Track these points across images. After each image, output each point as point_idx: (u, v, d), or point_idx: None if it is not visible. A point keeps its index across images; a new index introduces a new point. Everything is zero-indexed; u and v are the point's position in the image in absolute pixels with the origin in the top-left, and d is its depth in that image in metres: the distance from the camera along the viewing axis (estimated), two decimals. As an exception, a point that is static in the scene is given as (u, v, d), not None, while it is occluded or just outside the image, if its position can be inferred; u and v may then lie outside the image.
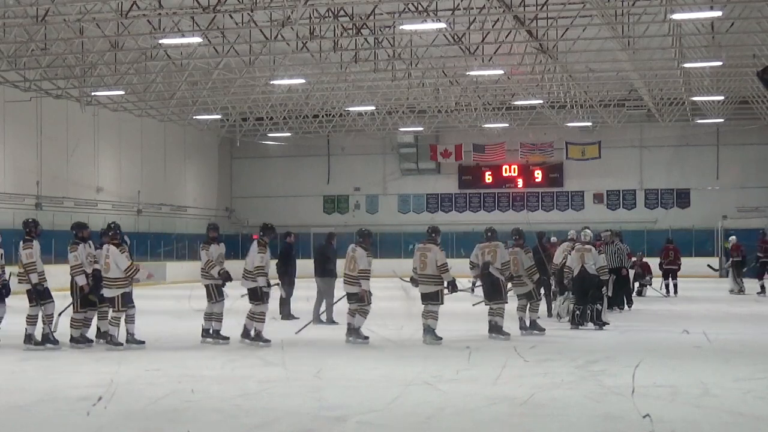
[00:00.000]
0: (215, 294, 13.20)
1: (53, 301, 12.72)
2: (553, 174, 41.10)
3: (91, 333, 12.90)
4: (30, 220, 13.30)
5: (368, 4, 22.31)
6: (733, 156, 39.36)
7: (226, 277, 13.20)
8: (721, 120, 37.64)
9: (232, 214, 43.77)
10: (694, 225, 37.84)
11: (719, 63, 27.60)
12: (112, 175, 35.63)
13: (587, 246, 15.37)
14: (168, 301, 21.72)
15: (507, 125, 38.09)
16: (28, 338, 12.67)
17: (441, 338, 13.08)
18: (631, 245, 24.84)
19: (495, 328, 13.71)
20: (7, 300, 13.06)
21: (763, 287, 24.82)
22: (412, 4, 22.60)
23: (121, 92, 31.20)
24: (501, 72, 28.96)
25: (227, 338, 13.03)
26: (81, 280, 12.59)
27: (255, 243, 13.09)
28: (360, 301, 13.10)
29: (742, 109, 36.67)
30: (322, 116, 38.04)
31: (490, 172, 41.61)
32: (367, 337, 13.14)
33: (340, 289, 14.42)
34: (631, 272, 22.50)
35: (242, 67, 28.47)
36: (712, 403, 8.38)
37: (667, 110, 36.72)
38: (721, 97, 34.01)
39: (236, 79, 29.86)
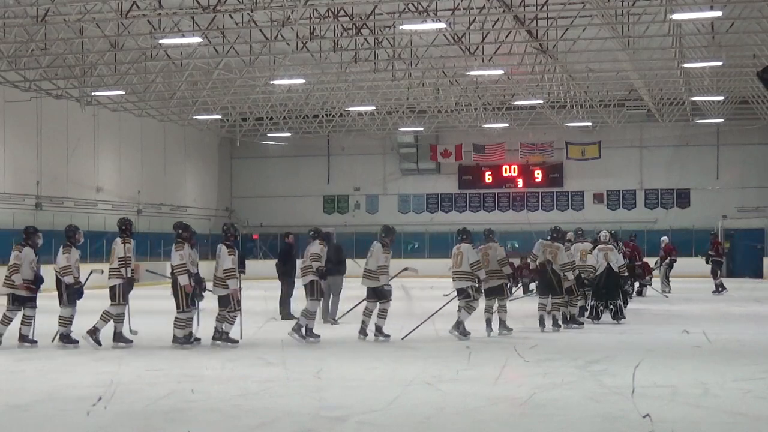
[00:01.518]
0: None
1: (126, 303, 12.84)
2: (553, 174, 41.10)
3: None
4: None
5: (368, 4, 22.31)
6: (733, 156, 39.35)
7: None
8: (721, 120, 37.64)
9: (232, 214, 43.75)
10: (694, 225, 37.83)
11: (719, 63, 27.61)
12: (112, 175, 35.62)
13: (609, 245, 16.29)
14: (168, 300, 21.67)
15: (507, 125, 38.09)
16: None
17: (511, 329, 14.01)
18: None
19: (555, 322, 14.71)
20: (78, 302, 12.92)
21: (718, 286, 24.94)
22: (412, 4, 22.60)
23: (121, 92, 31.20)
24: (501, 72, 28.97)
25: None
26: (183, 280, 12.60)
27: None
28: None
29: (742, 109, 36.68)
30: (322, 116, 38.04)
31: (490, 172, 41.60)
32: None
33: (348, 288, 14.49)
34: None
35: (242, 67, 28.47)
36: (712, 403, 8.38)
37: (667, 110, 36.72)
38: (721, 97, 34.01)
39: (236, 79, 29.85)
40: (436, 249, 36.55)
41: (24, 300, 12.74)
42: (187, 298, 12.62)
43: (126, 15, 22.07)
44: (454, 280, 13.78)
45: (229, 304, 12.78)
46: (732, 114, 37.14)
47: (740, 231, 37.16)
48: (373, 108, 35.49)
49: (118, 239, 12.89)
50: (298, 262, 17.29)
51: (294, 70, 29.11)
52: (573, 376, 9.91)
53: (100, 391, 8.65)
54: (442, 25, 22.89)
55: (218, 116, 36.94)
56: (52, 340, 12.88)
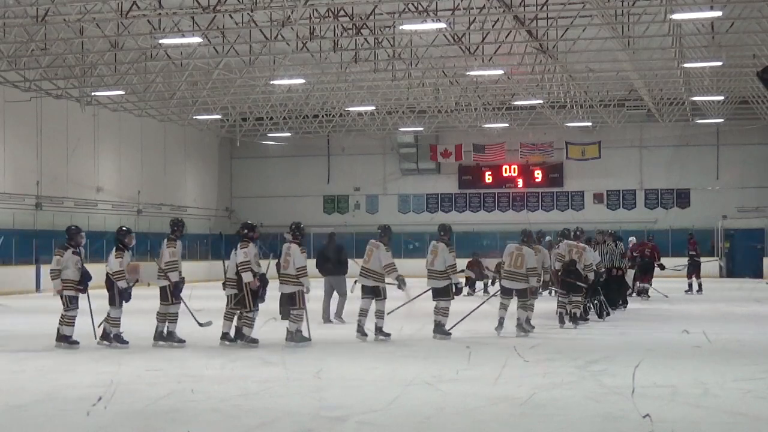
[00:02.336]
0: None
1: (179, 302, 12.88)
2: (553, 174, 41.12)
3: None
4: (178, 220, 13.38)
5: (368, 4, 22.32)
6: (733, 156, 39.36)
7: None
8: (721, 120, 37.65)
9: (232, 214, 43.77)
10: (694, 225, 37.82)
11: (719, 63, 27.62)
12: (112, 175, 35.64)
13: (582, 244, 16.07)
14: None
15: (507, 125, 38.11)
16: (169, 335, 12.79)
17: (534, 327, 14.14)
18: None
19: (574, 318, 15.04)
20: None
21: (691, 286, 24.91)
22: (412, 4, 22.61)
23: (121, 92, 31.22)
24: (501, 72, 28.98)
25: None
26: (248, 277, 12.57)
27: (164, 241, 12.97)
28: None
29: (742, 109, 36.69)
30: (322, 116, 38.05)
31: (490, 172, 41.62)
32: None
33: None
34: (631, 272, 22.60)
35: (242, 67, 28.48)
36: (712, 403, 8.38)
37: (667, 110, 36.74)
38: (721, 97, 34.03)
39: (236, 79, 29.87)
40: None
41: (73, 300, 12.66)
42: (254, 296, 12.60)
43: (126, 15, 22.08)
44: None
45: (295, 303, 12.85)
46: (732, 114, 37.15)
47: (740, 231, 37.17)
48: (373, 108, 35.51)
49: (165, 241, 12.92)
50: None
51: (294, 70, 29.12)
52: (573, 376, 9.91)
53: (100, 391, 8.65)
54: (442, 25, 22.90)
55: (218, 116, 36.96)
56: (99, 341, 12.72)
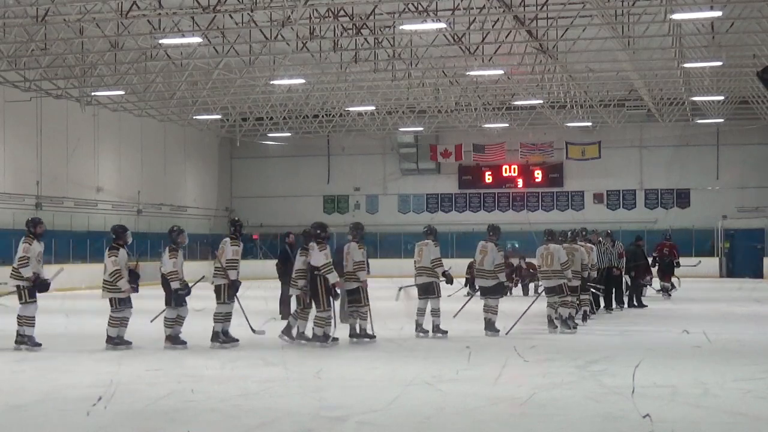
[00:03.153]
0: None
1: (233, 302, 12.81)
2: (553, 174, 41.11)
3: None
4: (236, 220, 13.37)
5: (368, 4, 22.32)
6: (733, 156, 39.36)
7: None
8: (721, 120, 37.65)
9: (232, 214, 43.74)
10: (694, 225, 37.85)
11: (719, 63, 27.61)
12: (112, 175, 35.63)
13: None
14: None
15: (507, 125, 38.11)
16: (224, 335, 12.74)
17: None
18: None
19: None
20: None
21: (664, 288, 23.81)
22: (412, 4, 22.60)
23: (121, 92, 31.21)
24: (501, 72, 28.97)
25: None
26: (333, 278, 12.68)
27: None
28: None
29: (742, 109, 36.68)
30: (322, 116, 38.05)
31: (490, 172, 41.61)
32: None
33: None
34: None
35: (242, 67, 28.47)
36: (712, 403, 8.38)
37: (667, 110, 36.73)
38: (721, 97, 34.02)
39: (236, 79, 29.86)
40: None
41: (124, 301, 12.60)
42: (329, 296, 12.67)
43: (126, 15, 22.08)
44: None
45: (360, 300, 13.02)
46: (732, 114, 37.15)
47: (740, 231, 37.17)
48: (373, 108, 35.50)
49: (228, 240, 12.88)
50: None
51: (294, 70, 29.11)
52: (573, 376, 9.91)
53: (100, 391, 8.65)
54: (442, 25, 22.89)
55: (218, 116, 36.95)
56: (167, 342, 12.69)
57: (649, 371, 9.91)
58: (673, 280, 23.66)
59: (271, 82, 30.39)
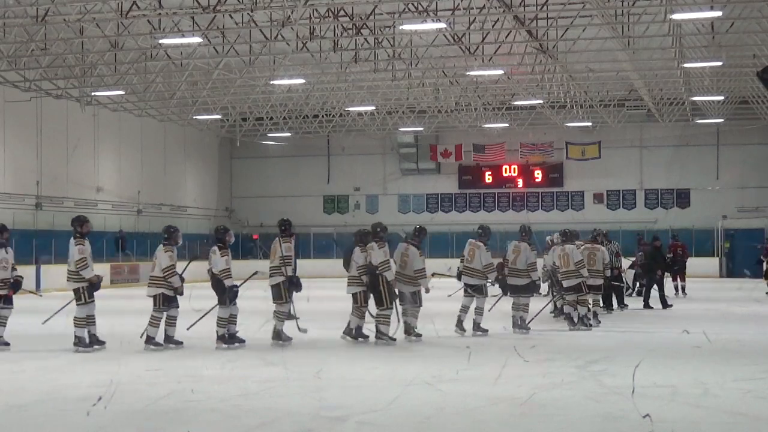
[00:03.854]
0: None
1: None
2: (553, 174, 41.12)
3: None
4: (286, 219, 13.55)
5: (368, 4, 22.32)
6: (733, 156, 39.36)
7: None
8: (721, 120, 37.65)
9: (232, 214, 43.77)
10: (694, 225, 37.85)
11: (719, 63, 27.62)
12: (112, 175, 35.63)
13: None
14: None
15: (507, 125, 38.11)
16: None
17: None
18: (630, 245, 24.80)
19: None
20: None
21: (682, 288, 23.75)
22: (412, 4, 22.60)
23: (121, 92, 31.22)
24: (501, 72, 28.98)
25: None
26: (391, 275, 12.92)
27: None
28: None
29: (742, 109, 36.69)
30: (322, 116, 38.05)
31: (490, 172, 41.62)
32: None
33: None
34: (631, 272, 22.59)
35: (242, 67, 28.48)
36: (712, 403, 8.38)
37: (667, 110, 36.74)
38: (721, 97, 34.02)
39: (236, 79, 29.86)
40: (436, 249, 36.53)
41: (171, 300, 12.62)
42: (391, 293, 12.83)
43: (126, 15, 22.08)
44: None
45: (416, 301, 13.09)
46: (732, 114, 37.15)
47: (740, 231, 37.15)
48: (373, 108, 35.50)
49: (278, 239, 13.02)
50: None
51: (294, 70, 29.11)
52: (573, 376, 9.91)
53: (100, 391, 8.65)
54: (442, 25, 22.89)
55: (218, 116, 36.96)
56: (220, 342, 12.67)
57: (649, 371, 9.91)
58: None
59: (271, 82, 30.40)
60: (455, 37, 24.86)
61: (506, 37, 25.15)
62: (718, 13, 22.50)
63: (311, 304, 16.31)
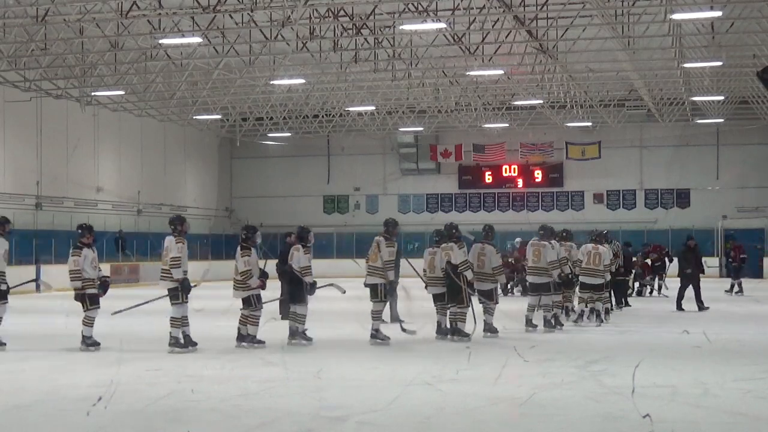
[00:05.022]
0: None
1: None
2: (553, 174, 41.13)
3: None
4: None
5: (368, 4, 22.32)
6: (733, 156, 39.37)
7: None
8: (721, 120, 37.66)
9: (232, 214, 43.78)
10: (694, 225, 37.81)
11: (719, 63, 27.62)
12: (112, 175, 35.63)
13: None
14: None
15: (507, 125, 38.11)
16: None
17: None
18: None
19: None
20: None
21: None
22: (412, 4, 22.61)
23: (121, 92, 31.22)
24: (501, 72, 28.98)
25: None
26: (470, 275, 13.22)
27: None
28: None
29: (742, 109, 36.69)
30: (322, 116, 38.06)
31: (490, 172, 41.63)
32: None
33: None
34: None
35: (242, 67, 28.48)
36: (712, 403, 8.38)
37: (667, 110, 36.74)
38: (721, 97, 34.03)
39: (236, 79, 29.87)
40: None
41: (259, 300, 12.65)
42: (469, 292, 13.12)
43: (126, 15, 22.09)
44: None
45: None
46: (732, 114, 37.16)
47: (740, 231, 37.13)
48: (373, 108, 35.51)
49: (383, 239, 13.01)
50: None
51: (294, 70, 29.12)
52: (573, 376, 9.91)
53: (100, 391, 8.64)
54: (442, 25, 22.90)
55: (218, 116, 36.97)
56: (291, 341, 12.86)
57: (649, 371, 9.91)
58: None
59: (271, 82, 30.40)
60: (455, 37, 24.86)
61: (506, 37, 25.16)
62: (718, 13, 22.51)
63: (311, 304, 16.30)
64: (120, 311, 13.04)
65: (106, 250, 31.70)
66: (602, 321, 15.59)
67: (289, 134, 39.73)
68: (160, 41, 24.22)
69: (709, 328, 14.23)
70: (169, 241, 12.27)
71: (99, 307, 12.51)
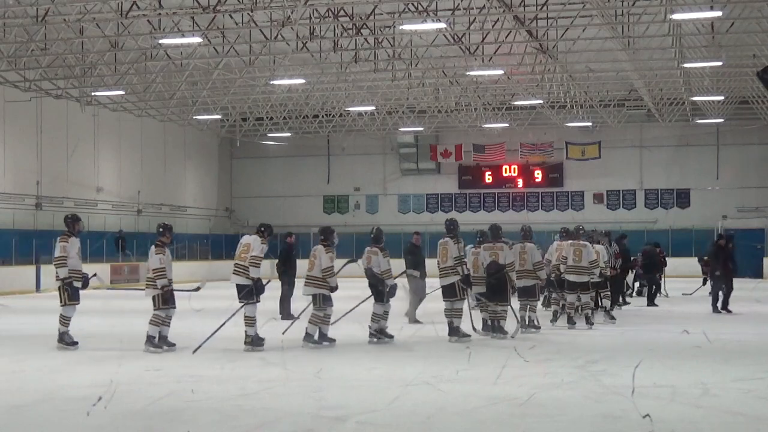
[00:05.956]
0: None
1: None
2: (553, 174, 41.13)
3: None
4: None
5: (368, 4, 22.32)
6: (733, 156, 39.38)
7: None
8: (721, 120, 37.67)
9: (232, 214, 43.79)
10: (694, 225, 37.85)
11: (719, 63, 27.62)
12: (112, 175, 35.64)
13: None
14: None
15: (507, 125, 38.12)
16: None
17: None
18: (632, 246, 24.72)
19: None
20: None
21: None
22: (412, 4, 22.62)
23: (121, 92, 31.22)
24: (501, 72, 28.98)
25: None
26: (514, 275, 13.78)
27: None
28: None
29: (742, 109, 36.70)
30: (322, 116, 38.07)
31: (490, 172, 41.63)
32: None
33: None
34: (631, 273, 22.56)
35: (242, 67, 28.49)
36: (712, 403, 8.38)
37: (667, 110, 36.74)
38: (721, 97, 34.04)
39: (236, 79, 29.88)
40: (436, 249, 36.79)
41: (327, 300, 12.78)
42: (510, 292, 13.64)
43: (126, 15, 22.09)
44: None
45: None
46: (732, 114, 37.17)
47: (740, 231, 37.13)
48: (373, 108, 35.52)
49: (450, 240, 13.28)
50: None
51: (294, 70, 29.13)
52: (573, 376, 9.91)
53: (100, 391, 8.65)
54: (442, 25, 22.90)
55: (218, 116, 36.98)
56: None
57: (649, 371, 9.91)
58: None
59: (271, 82, 30.41)
60: (455, 37, 24.86)
61: (506, 37, 25.16)
62: (718, 13, 22.51)
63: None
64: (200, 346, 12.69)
65: (106, 250, 31.73)
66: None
67: (289, 134, 39.74)
68: (160, 41, 24.23)
69: (709, 328, 14.24)
70: (254, 240, 12.65)
71: (172, 308, 12.55)
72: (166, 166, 39.31)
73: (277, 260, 17.76)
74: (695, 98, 33.91)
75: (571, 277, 15.10)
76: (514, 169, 41.34)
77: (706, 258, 20.20)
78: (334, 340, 12.78)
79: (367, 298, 13.69)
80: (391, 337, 13.16)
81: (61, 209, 31.66)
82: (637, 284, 22.95)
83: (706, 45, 26.58)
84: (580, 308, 15.17)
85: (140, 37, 25.17)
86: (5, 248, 28.59)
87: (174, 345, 12.43)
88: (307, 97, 34.11)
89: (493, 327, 13.66)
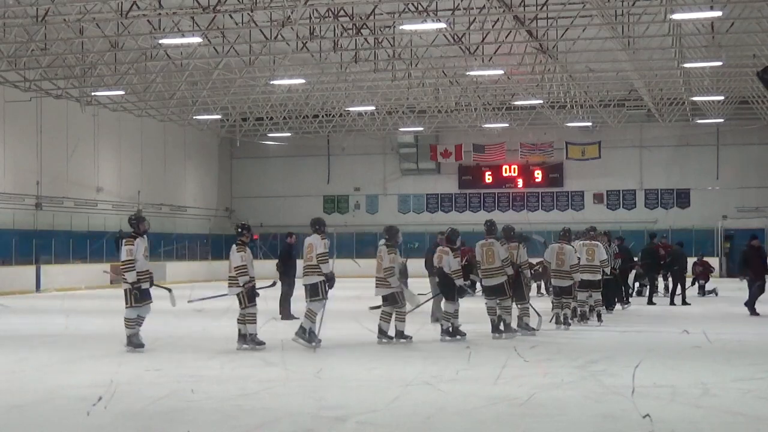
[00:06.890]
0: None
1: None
2: (553, 174, 41.14)
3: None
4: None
5: (368, 4, 22.33)
6: (733, 156, 39.39)
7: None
8: (721, 120, 37.67)
9: (232, 214, 43.79)
10: (694, 225, 37.86)
11: (719, 63, 27.63)
12: (112, 175, 35.64)
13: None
14: (168, 301, 21.65)
15: (507, 125, 38.13)
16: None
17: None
18: (633, 246, 24.71)
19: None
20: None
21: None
22: (412, 4, 22.62)
23: (121, 92, 31.22)
24: (501, 72, 28.98)
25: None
26: (528, 273, 14.45)
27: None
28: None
29: (742, 109, 36.71)
30: (322, 116, 38.08)
31: (490, 172, 41.64)
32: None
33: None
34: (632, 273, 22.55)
35: (242, 67, 28.49)
36: (712, 403, 8.38)
37: (667, 110, 36.75)
38: (721, 97, 34.04)
39: (236, 79, 29.88)
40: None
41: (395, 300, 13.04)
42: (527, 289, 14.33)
43: (126, 15, 22.09)
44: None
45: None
46: (732, 114, 37.18)
47: (740, 231, 37.14)
48: (373, 108, 35.52)
49: (495, 241, 13.73)
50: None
51: (294, 70, 29.13)
52: (573, 376, 9.91)
53: (100, 391, 8.65)
54: (442, 25, 22.90)
55: (218, 116, 36.98)
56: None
57: (649, 371, 9.91)
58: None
59: (271, 82, 30.41)
60: (455, 37, 24.87)
61: (506, 37, 25.16)
62: (718, 13, 22.51)
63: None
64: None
65: (106, 250, 31.73)
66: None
67: (289, 134, 39.74)
68: (160, 41, 24.23)
69: (709, 328, 14.24)
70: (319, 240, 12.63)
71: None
72: (166, 166, 39.31)
73: (276, 260, 17.76)
74: (695, 98, 33.92)
75: (585, 276, 15.57)
76: (514, 169, 41.34)
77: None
78: (410, 337, 12.99)
79: (436, 295, 14.13)
80: (464, 334, 13.33)
81: (61, 209, 31.74)
82: (637, 284, 22.95)
83: (706, 45, 26.59)
84: (591, 307, 15.78)
85: (140, 37, 25.17)
86: (5, 248, 28.60)
87: (264, 343, 12.41)
88: (307, 97, 34.11)
89: (518, 324, 14.11)
